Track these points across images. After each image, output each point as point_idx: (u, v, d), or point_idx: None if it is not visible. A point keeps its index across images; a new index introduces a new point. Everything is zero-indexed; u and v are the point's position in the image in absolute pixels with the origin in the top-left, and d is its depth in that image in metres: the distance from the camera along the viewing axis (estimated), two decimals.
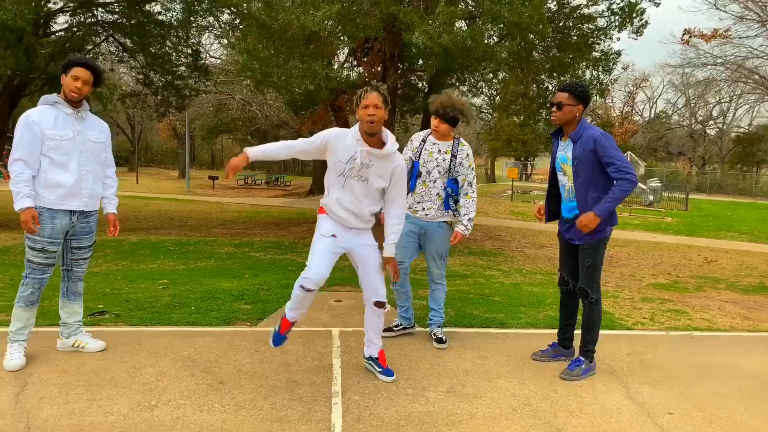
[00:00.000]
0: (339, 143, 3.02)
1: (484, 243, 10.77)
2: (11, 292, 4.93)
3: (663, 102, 66.15)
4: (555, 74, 10.64)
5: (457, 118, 3.76)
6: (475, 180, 3.89)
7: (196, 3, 12.14)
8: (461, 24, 8.85)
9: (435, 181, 3.80)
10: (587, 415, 2.94)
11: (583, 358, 3.47)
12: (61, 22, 14.92)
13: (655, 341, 4.26)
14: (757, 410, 3.08)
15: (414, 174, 3.84)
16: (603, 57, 9.62)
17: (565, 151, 3.44)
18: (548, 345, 3.79)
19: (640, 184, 23.78)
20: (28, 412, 2.69)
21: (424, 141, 3.87)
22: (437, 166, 3.80)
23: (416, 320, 4.19)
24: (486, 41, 7.87)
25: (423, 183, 3.83)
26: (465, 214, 3.85)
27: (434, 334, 3.97)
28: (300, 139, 3.12)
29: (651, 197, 22.09)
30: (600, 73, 10.10)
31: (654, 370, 3.60)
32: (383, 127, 3.07)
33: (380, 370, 3.29)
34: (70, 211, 3.27)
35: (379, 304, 3.21)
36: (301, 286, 3.00)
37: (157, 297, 4.84)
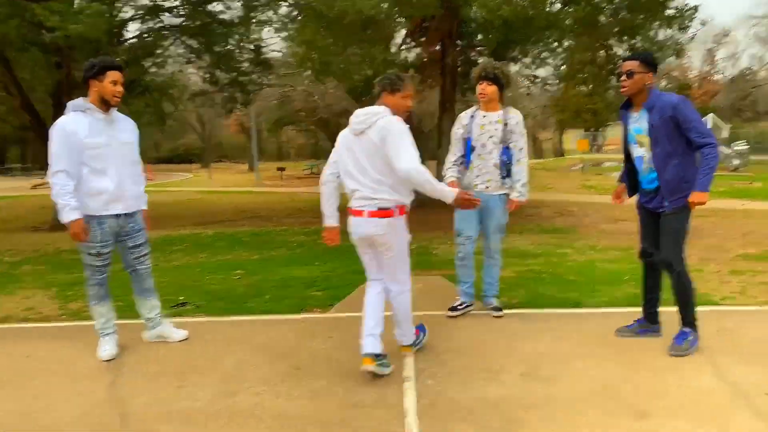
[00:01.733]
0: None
1: (555, 220, 10.43)
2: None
3: (748, 57, 60.95)
4: (625, 37, 10.05)
5: (500, 77, 3.76)
6: (526, 146, 3.89)
7: None
8: None
9: (491, 152, 3.81)
10: (674, 396, 2.79)
11: (688, 329, 3.34)
12: (132, 29, 15.75)
13: (747, 316, 3.97)
14: None
15: (467, 149, 3.85)
16: (678, 14, 8.95)
17: (639, 122, 3.32)
18: (634, 320, 3.65)
19: (724, 148, 22.15)
20: (122, 401, 2.89)
21: (472, 117, 3.89)
22: (491, 137, 3.81)
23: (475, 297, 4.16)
24: (548, 9, 7.53)
25: (479, 156, 3.84)
26: (518, 180, 3.85)
27: (490, 304, 4.02)
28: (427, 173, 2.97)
29: (737, 161, 20.57)
30: (675, 31, 9.42)
31: (747, 348, 3.35)
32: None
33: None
34: (116, 215, 3.33)
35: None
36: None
37: (234, 287, 5.04)
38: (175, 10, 12.98)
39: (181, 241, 8.48)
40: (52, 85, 11.66)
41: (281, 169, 29.14)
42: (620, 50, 10.91)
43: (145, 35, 13.23)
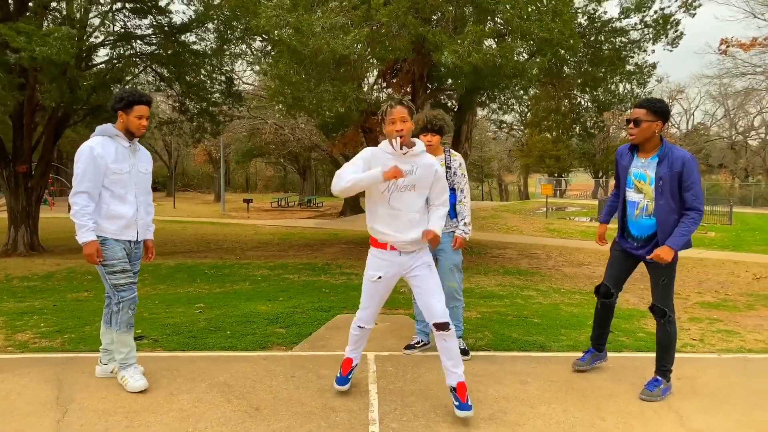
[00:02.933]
0: (375, 160, 2.99)
1: (519, 262, 10.57)
2: (54, 317, 5.05)
3: (701, 113, 64.48)
4: (588, 89, 10.50)
5: (443, 126, 3.88)
6: (467, 187, 4.03)
7: (229, 32, 12.51)
8: (490, 42, 8.83)
9: None
10: None
11: (660, 378, 3.39)
12: (102, 54, 15.60)
13: (706, 365, 4.04)
14: None
15: None
16: (637, 70, 9.43)
17: (645, 168, 3.35)
18: (584, 352, 3.82)
19: None
20: None
21: None
22: None
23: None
24: (516, 58, 7.82)
25: None
26: (461, 219, 3.96)
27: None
28: (356, 161, 3.00)
29: None
30: (634, 86, 9.90)
31: (707, 396, 3.41)
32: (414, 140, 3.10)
33: (457, 404, 3.00)
34: (128, 241, 3.39)
35: (440, 326, 2.99)
36: (358, 326, 3.27)
37: (194, 321, 4.87)
38: (147, 38, 12.96)
39: (140, 272, 8.20)
40: (13, 106, 11.35)
41: (248, 200, 28.81)
42: (583, 101, 11.38)
43: (115, 61, 13.11)
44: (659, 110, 3.22)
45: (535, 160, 41.58)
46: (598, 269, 9.75)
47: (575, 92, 11.23)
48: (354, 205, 23.77)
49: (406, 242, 3.04)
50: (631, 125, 3.28)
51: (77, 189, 3.19)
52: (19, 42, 8.33)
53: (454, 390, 3.04)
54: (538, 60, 8.01)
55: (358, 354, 3.39)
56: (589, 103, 11.01)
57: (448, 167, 3.90)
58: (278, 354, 4.05)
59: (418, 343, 4.11)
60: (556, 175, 42.33)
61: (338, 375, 3.35)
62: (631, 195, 3.44)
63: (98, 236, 3.24)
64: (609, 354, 4.13)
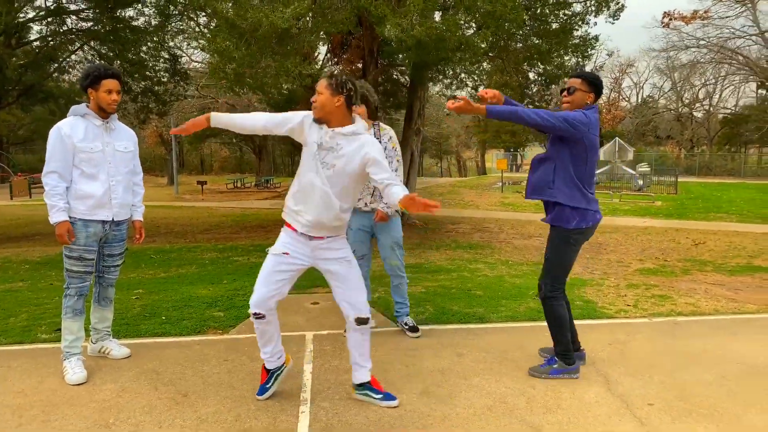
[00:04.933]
0: (308, 128, 2.81)
1: (472, 236, 10.67)
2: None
3: (649, 87, 66.16)
4: (536, 62, 10.56)
5: (367, 96, 3.73)
6: (398, 162, 3.86)
7: (170, 6, 11.98)
8: (437, 16, 8.72)
9: None
10: (565, 410, 2.84)
11: (556, 358, 3.27)
12: (34, 31, 14.72)
13: (637, 329, 4.16)
14: (741, 397, 2.99)
15: None
16: (581, 43, 9.52)
17: None
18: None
19: (627, 168, 23.75)
20: None
21: None
22: None
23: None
24: (462, 32, 7.75)
25: None
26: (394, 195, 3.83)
27: (406, 324, 3.98)
28: (278, 114, 2.86)
29: (641, 182, 22.08)
30: (579, 59, 10.01)
31: (635, 360, 3.50)
32: (357, 116, 2.85)
33: (379, 396, 2.90)
34: (102, 221, 3.29)
35: (361, 321, 2.87)
36: (252, 314, 2.83)
37: (128, 308, 4.70)
38: (83, 13, 12.28)
39: None
40: None
41: (202, 183, 28.10)
42: (532, 74, 11.46)
43: (49, 38, 12.40)
44: (593, 82, 3.20)
45: (491, 136, 42.01)
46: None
47: (525, 66, 11.28)
48: None
49: (310, 223, 2.79)
50: (564, 93, 3.25)
51: (46, 169, 3.17)
52: None
53: (368, 385, 2.94)
54: (483, 33, 7.97)
55: (273, 356, 2.96)
56: (537, 77, 11.09)
57: (378, 140, 3.82)
58: (213, 338, 3.95)
59: None
60: (512, 150, 42.93)
61: (260, 384, 3.02)
62: None
63: (69, 217, 3.19)
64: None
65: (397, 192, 2.64)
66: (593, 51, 9.64)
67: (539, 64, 10.25)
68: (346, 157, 2.75)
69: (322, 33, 8.74)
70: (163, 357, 3.55)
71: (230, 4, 7.54)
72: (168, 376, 3.26)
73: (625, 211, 14.63)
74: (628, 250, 8.63)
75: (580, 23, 9.31)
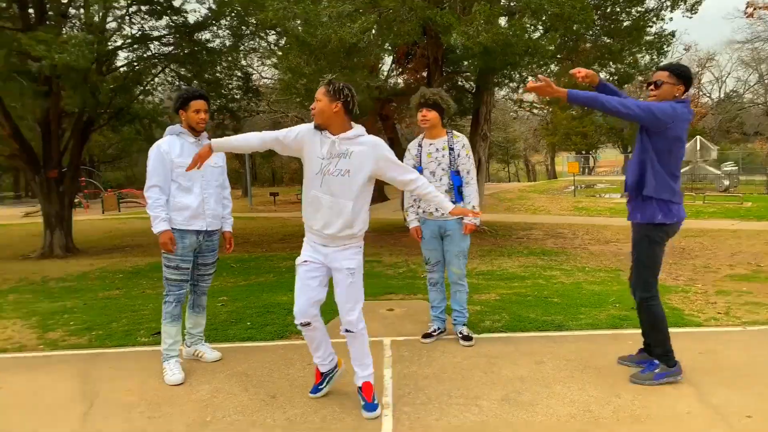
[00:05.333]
0: (313, 137, 2.88)
1: (545, 242, 10.45)
2: (84, 315, 5.24)
3: (733, 80, 62.06)
4: (607, 62, 10.22)
5: (440, 103, 3.80)
6: (473, 168, 3.93)
7: (242, 27, 12.60)
8: (502, 21, 8.67)
9: (441, 179, 3.86)
10: (655, 420, 2.75)
11: (657, 361, 3.20)
12: (121, 58, 15.88)
13: (730, 338, 3.95)
14: None
15: None
16: (656, 40, 9.13)
17: None
18: (638, 350, 3.49)
19: (711, 168, 22.32)
20: None
21: (420, 146, 3.96)
22: (439, 164, 3.86)
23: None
24: (529, 36, 7.67)
25: (431, 184, 3.84)
26: (469, 203, 3.87)
27: (460, 333, 3.99)
28: (275, 131, 3.00)
29: (726, 182, 20.73)
30: (654, 56, 9.60)
31: (730, 370, 3.33)
32: (353, 123, 2.92)
33: (362, 403, 2.95)
34: (197, 231, 3.53)
35: (347, 331, 2.97)
36: (298, 324, 3.01)
37: (216, 314, 4.98)
38: (164, 39, 13.14)
39: None
40: (41, 113, 11.69)
41: (274, 194, 29.13)
42: (603, 74, 11.08)
43: (135, 64, 13.35)
44: (681, 74, 3.08)
45: (561, 138, 40.81)
46: (627, 246, 9.57)
47: (595, 67, 10.94)
48: (378, 194, 23.83)
49: (329, 235, 2.89)
50: (651, 87, 3.12)
51: (148, 184, 3.44)
52: (39, 51, 8.55)
53: (359, 390, 3.01)
54: (551, 36, 7.84)
55: (325, 360, 3.12)
56: (609, 77, 10.71)
57: (450, 149, 3.85)
58: (296, 343, 4.11)
59: (435, 330, 4.09)
60: (583, 152, 41.51)
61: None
62: None
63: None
64: (629, 331, 4.09)
65: (443, 202, 3.04)
66: (669, 48, 9.22)
67: (611, 63, 9.91)
68: (359, 160, 2.85)
69: (387, 45, 8.92)
70: (251, 360, 3.75)
71: (299, 22, 7.86)
72: (257, 378, 3.44)
73: (711, 214, 13.79)
74: (716, 255, 8.16)
75: (654, 20, 8.94)
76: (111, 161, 40.47)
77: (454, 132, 3.95)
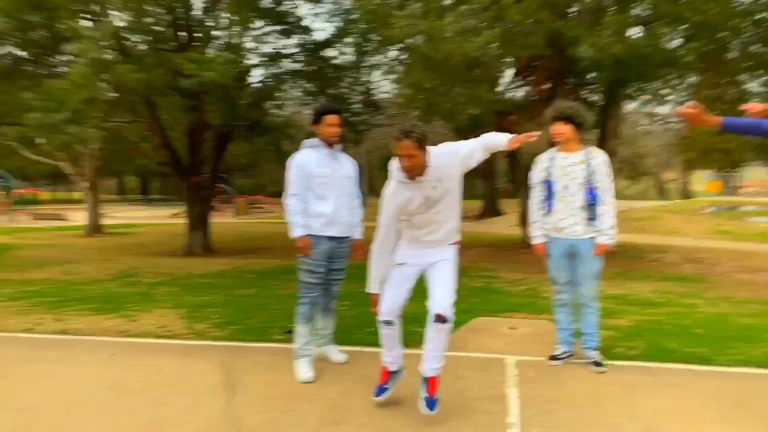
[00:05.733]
0: (400, 193, 2.99)
1: (681, 267, 9.61)
2: (224, 310, 5.70)
3: None
4: (757, 73, 9.22)
5: (574, 117, 3.65)
6: (612, 187, 3.71)
7: (366, 44, 13.09)
8: (636, 31, 8.17)
9: (574, 195, 3.68)
10: None
11: None
12: (256, 75, 17.17)
13: None
14: None
15: (551, 193, 3.76)
16: None
17: None
18: None
19: None
20: (236, 419, 3.06)
21: (552, 158, 3.80)
22: (574, 178, 3.67)
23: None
24: (666, 46, 7.15)
25: (562, 199, 3.72)
26: (604, 222, 3.66)
27: (590, 358, 3.76)
28: (383, 217, 3.07)
29: None
30: None
31: None
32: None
33: (423, 395, 3.02)
34: (330, 237, 3.73)
35: (440, 318, 2.97)
36: (381, 322, 3.14)
37: (342, 317, 5.16)
38: (294, 56, 14.04)
39: (294, 272, 8.91)
40: (188, 125, 12.98)
41: None
42: (753, 85, 10.02)
43: (268, 80, 14.40)
44: None
45: (698, 155, 37.29)
46: None
47: (742, 77, 9.93)
48: (492, 207, 23.41)
49: (431, 240, 3.07)
50: None
51: (289, 192, 3.69)
52: (190, 68, 9.54)
53: (424, 381, 3.07)
54: (694, 45, 7.25)
55: (395, 360, 3.23)
56: (760, 87, 9.66)
57: (587, 164, 3.67)
58: (417, 352, 4.13)
59: (563, 353, 3.91)
60: (725, 170, 37.63)
61: (378, 385, 3.23)
62: None
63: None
64: None
65: (497, 138, 3.10)
66: None
67: (764, 74, 8.92)
68: (445, 179, 2.96)
69: (509, 58, 8.79)
70: (375, 365, 3.82)
71: (424, 38, 8.00)
72: None
73: None
74: None
75: None
76: (243, 170, 43.82)
77: (593, 147, 3.78)
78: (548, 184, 3.79)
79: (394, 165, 3.01)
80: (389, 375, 3.25)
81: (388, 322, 3.14)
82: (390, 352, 3.24)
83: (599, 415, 3.03)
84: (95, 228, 17.60)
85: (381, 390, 3.22)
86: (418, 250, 3.13)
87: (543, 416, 3.04)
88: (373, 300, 3.13)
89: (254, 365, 3.90)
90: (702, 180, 37.47)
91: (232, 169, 43.53)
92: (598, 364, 3.72)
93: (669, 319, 5.17)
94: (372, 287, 3.14)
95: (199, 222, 12.92)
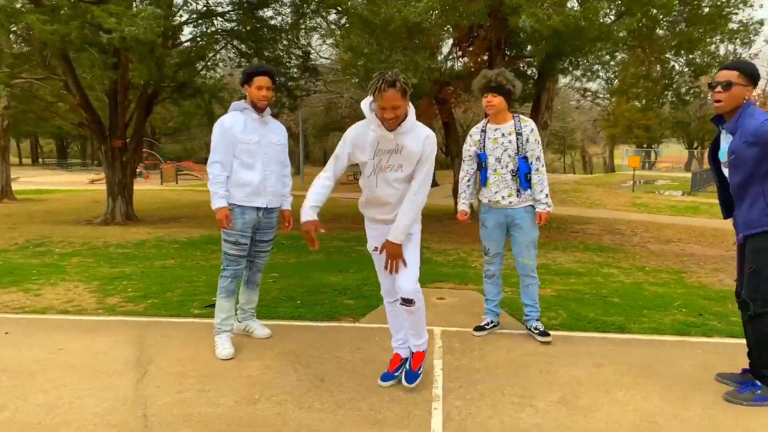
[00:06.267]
0: (360, 142, 2.85)
1: (601, 238, 10.05)
2: (140, 283, 5.39)
3: None
4: (683, 51, 9.61)
5: (505, 86, 3.58)
6: (542, 154, 3.73)
7: (304, 5, 12.58)
8: (572, 4, 8.25)
9: (506, 166, 3.67)
10: None
11: (759, 383, 2.90)
12: (186, 33, 16.25)
13: None
14: None
15: (483, 166, 3.74)
16: (742, 28, 8.48)
17: (726, 141, 2.91)
18: (742, 369, 3.14)
19: None
20: (146, 399, 2.86)
21: (483, 131, 3.76)
22: (505, 150, 3.66)
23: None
24: (601, 20, 7.26)
25: (495, 172, 3.71)
26: (541, 191, 3.68)
27: (536, 329, 3.80)
28: (330, 165, 2.95)
29: None
30: (737, 46, 8.94)
31: None
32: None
33: (407, 368, 3.06)
34: (257, 208, 3.53)
35: (407, 302, 2.89)
36: (387, 302, 3.14)
37: (267, 290, 5.01)
38: (227, 14, 13.30)
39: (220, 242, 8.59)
40: (109, 84, 12.10)
41: None
42: (677, 65, 10.46)
43: (199, 39, 13.59)
44: (752, 74, 2.78)
45: (622, 131, 39.20)
46: (690, 246, 9.07)
47: (668, 55, 10.32)
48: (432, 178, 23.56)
49: (390, 219, 2.95)
50: (718, 89, 2.80)
51: (211, 159, 3.44)
52: (110, 23, 8.79)
53: (411, 355, 3.07)
54: (626, 21, 7.41)
55: (404, 343, 3.15)
56: (684, 67, 10.09)
57: (518, 134, 3.65)
58: (345, 325, 4.08)
59: (488, 323, 3.94)
60: (645, 146, 39.75)
61: (385, 371, 3.13)
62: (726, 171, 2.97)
63: (228, 203, 3.44)
64: (698, 339, 3.84)
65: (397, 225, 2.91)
66: (755, 37, 8.55)
67: (688, 53, 9.30)
68: (411, 158, 2.82)
69: (449, 26, 8.67)
70: (300, 340, 3.74)
71: (363, 1, 7.73)
72: (306, 358, 3.42)
73: None
74: None
75: (741, 6, 8.28)
76: (171, 134, 41.86)
77: (522, 116, 3.74)
78: (481, 158, 3.75)
79: (366, 105, 2.79)
80: (401, 362, 3.14)
81: (393, 301, 3.07)
82: (397, 335, 3.17)
83: (520, 385, 3.06)
84: (3, 192, 16.27)
85: (388, 376, 3.10)
86: (382, 230, 3.00)
87: (466, 388, 3.04)
88: (303, 229, 2.91)
89: (169, 342, 3.68)
90: (624, 154, 39.39)
91: (160, 134, 41.61)
92: (543, 333, 3.76)
93: (588, 289, 5.35)
94: (303, 214, 2.92)
95: (120, 188, 12.18)
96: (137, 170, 17.64)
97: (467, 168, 3.84)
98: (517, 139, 3.65)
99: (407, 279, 2.90)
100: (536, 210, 3.70)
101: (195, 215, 13.36)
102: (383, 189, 2.91)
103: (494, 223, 3.77)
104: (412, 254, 2.95)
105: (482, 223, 3.84)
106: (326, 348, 3.60)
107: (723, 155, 2.96)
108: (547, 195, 3.69)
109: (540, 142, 3.72)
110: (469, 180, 3.84)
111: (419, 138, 2.82)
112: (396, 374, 3.10)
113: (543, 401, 2.88)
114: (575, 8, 7.26)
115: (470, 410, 2.79)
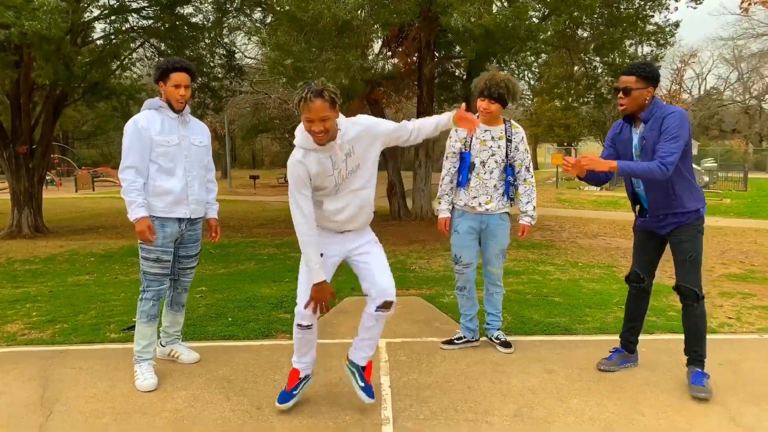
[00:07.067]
0: (314, 171, 2.57)
1: (533, 234, 10.23)
2: (47, 305, 4.81)
3: (713, 78, 62.83)
4: (604, 52, 9.97)
5: (504, 96, 3.38)
6: (531, 164, 3.56)
7: (227, 2, 12.02)
8: (502, 4, 8.33)
9: (492, 172, 3.45)
10: None
11: (706, 371, 3.01)
12: (98, 30, 15.12)
13: (747, 346, 3.72)
14: None
15: (465, 167, 3.47)
16: (659, 30, 8.89)
17: (638, 133, 3.07)
18: (610, 351, 3.38)
19: (694, 165, 22.47)
20: None
21: None
22: (492, 155, 3.44)
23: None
24: (530, 20, 7.35)
25: (477, 175, 3.46)
26: (527, 203, 3.54)
27: (497, 338, 3.64)
28: (300, 217, 2.61)
29: (706, 178, 20.83)
30: (654, 48, 9.38)
31: (755, 384, 3.09)
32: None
33: (362, 384, 2.76)
34: (179, 219, 3.13)
35: (387, 305, 2.69)
36: (297, 325, 2.73)
37: (194, 307, 4.60)
38: (144, 11, 12.50)
39: (134, 255, 7.95)
40: (10, 84, 11.03)
41: (255, 177, 28.53)
42: (599, 66, 10.86)
43: (112, 37, 12.67)
44: (649, 75, 2.93)
45: (544, 129, 40.78)
46: (615, 240, 9.40)
47: (590, 56, 10.70)
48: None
49: (343, 223, 2.72)
50: (620, 94, 2.97)
51: (124, 164, 3.01)
52: (7, 17, 7.94)
53: (361, 370, 2.80)
54: (552, 21, 7.53)
55: (310, 365, 2.86)
56: (604, 69, 10.49)
57: (509, 140, 3.44)
58: (282, 343, 3.77)
59: (459, 339, 3.68)
60: (565, 144, 41.57)
61: (283, 389, 2.84)
62: None
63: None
64: (640, 336, 3.84)
65: (440, 118, 2.76)
66: (671, 38, 8.99)
67: (609, 54, 9.66)
68: (362, 149, 2.64)
69: (380, 25, 8.51)
70: (232, 363, 3.40)
71: None
72: (239, 384, 3.09)
73: None
74: (706, 252, 8.01)
75: (658, 8, 8.67)
76: (86, 138, 39.25)
77: (513, 122, 3.52)
78: (465, 157, 3.48)
79: (299, 131, 2.55)
80: (299, 380, 2.83)
81: (307, 326, 2.72)
82: (304, 359, 2.84)
83: (473, 399, 2.90)
84: None
85: (287, 396, 2.79)
86: (335, 237, 2.73)
87: (417, 406, 2.84)
88: (319, 290, 2.61)
89: (80, 374, 3.23)
90: (546, 152, 41.10)
91: (73, 138, 38.87)
92: (505, 344, 3.59)
93: (529, 289, 5.33)
94: (317, 275, 2.61)
95: (27, 198, 11.11)
96: (47, 177, 16.28)
97: (449, 166, 3.54)
98: (507, 145, 3.45)
99: (388, 280, 2.71)
100: (520, 222, 3.54)
101: (114, 224, 12.45)
102: (350, 197, 2.68)
103: (467, 228, 3.51)
104: (383, 255, 2.79)
105: (454, 229, 3.58)
106: (262, 370, 3.29)
107: (636, 147, 3.08)
108: (534, 207, 3.53)
109: (528, 151, 3.54)
110: (451, 180, 3.54)
111: (357, 130, 2.61)
112: (295, 393, 2.81)
113: (498, 416, 2.73)
114: (505, 7, 7.29)
115: (422, 431, 2.59)
